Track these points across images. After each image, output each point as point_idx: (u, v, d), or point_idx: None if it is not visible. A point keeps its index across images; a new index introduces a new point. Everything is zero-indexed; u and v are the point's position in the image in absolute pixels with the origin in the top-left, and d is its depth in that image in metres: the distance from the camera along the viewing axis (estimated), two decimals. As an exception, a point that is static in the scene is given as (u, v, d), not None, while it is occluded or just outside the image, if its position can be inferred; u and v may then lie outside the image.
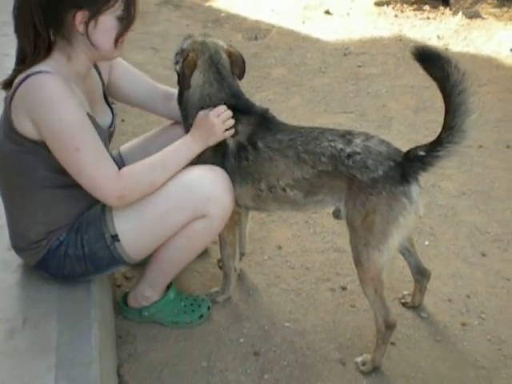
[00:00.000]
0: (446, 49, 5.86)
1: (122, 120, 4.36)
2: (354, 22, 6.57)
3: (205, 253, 3.11)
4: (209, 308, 2.77)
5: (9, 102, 2.20)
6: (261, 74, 5.35)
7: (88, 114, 2.27)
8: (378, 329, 2.51)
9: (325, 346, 2.68)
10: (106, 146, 2.41)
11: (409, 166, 2.32)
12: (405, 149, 2.39)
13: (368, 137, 2.44)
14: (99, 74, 2.57)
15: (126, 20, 2.23)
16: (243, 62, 2.63)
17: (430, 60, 2.24)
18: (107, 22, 2.19)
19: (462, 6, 6.77)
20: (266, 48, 5.94)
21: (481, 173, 3.93)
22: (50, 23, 2.20)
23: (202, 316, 2.74)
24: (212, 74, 2.56)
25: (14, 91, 2.18)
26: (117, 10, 2.19)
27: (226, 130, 2.52)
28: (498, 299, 2.95)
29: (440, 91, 2.25)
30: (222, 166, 2.53)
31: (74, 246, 2.40)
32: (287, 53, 5.82)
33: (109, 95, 2.67)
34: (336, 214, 2.54)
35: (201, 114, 2.53)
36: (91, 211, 2.44)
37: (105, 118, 2.51)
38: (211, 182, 2.44)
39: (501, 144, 4.26)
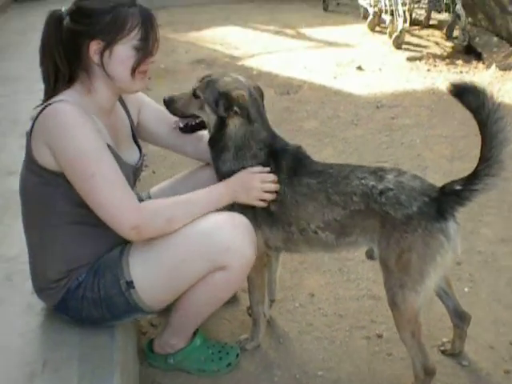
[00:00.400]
0: (481, 100, 5.75)
1: (153, 172, 4.35)
2: (387, 76, 6.55)
3: (234, 300, 3.02)
4: (237, 355, 2.65)
5: (29, 134, 2.20)
6: (293, 126, 5.32)
7: (108, 145, 2.23)
8: (416, 375, 2.39)
9: (360, 396, 2.53)
10: (130, 183, 2.36)
11: (445, 201, 2.24)
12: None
13: (400, 172, 2.37)
14: (127, 112, 2.55)
15: (144, 50, 2.22)
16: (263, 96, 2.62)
17: (466, 92, 2.18)
18: (123, 52, 2.19)
19: (495, 59, 6.71)
20: (297, 102, 5.93)
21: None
22: (70, 56, 2.21)
23: (230, 364, 2.62)
24: (254, 112, 2.49)
25: (34, 122, 2.19)
26: (133, 39, 2.19)
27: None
28: (543, 347, 2.77)
29: (476, 122, 2.19)
30: (251, 209, 2.46)
31: (91, 289, 2.33)
32: (319, 106, 5.80)
33: (138, 136, 2.64)
34: (369, 254, 2.49)
35: (247, 170, 2.45)
36: (110, 254, 2.36)
37: (131, 156, 2.48)
38: (231, 231, 2.30)
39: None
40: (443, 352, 2.73)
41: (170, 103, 2.57)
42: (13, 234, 2.90)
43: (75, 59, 2.22)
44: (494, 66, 6.44)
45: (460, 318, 2.62)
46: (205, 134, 2.64)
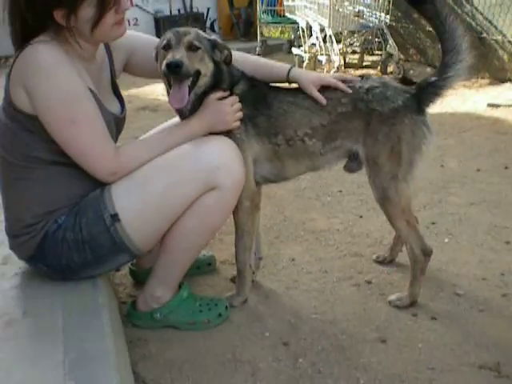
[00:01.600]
0: (425, 112, 5.90)
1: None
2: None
3: (213, 268, 2.90)
4: (227, 308, 2.50)
5: (8, 75, 2.10)
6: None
7: (91, 90, 2.15)
8: (415, 260, 2.49)
9: (360, 330, 2.43)
10: (112, 132, 2.26)
11: (424, 94, 2.37)
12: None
13: (382, 77, 2.42)
14: (111, 61, 2.44)
15: (102, 5, 2.08)
16: None
17: (421, 2, 2.38)
18: (86, 14, 2.08)
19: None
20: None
21: (484, 188, 3.81)
22: (40, 17, 2.09)
23: (220, 315, 2.47)
24: None
25: (13, 63, 2.09)
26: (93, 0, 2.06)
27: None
28: (535, 275, 2.74)
29: (433, 26, 2.38)
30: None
31: (72, 230, 2.19)
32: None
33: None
34: (349, 167, 2.53)
35: (213, 100, 2.35)
36: (91, 194, 2.23)
37: (112, 106, 2.37)
38: (219, 151, 2.24)
39: (498, 167, 4.17)
40: (380, 260, 2.91)
41: (181, 66, 2.20)
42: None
43: (45, 19, 2.09)
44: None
45: None
46: None
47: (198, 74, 2.30)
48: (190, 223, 2.26)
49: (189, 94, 2.29)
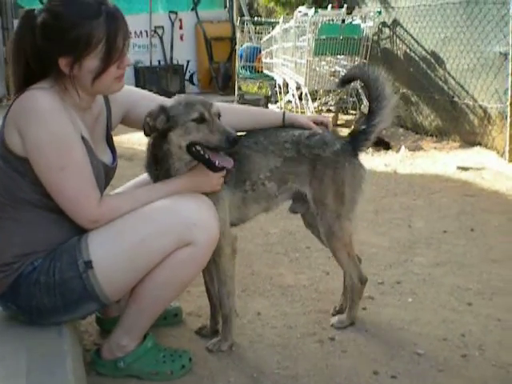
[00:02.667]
0: (395, 172, 6.05)
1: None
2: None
3: (179, 321, 2.92)
4: (190, 360, 2.52)
5: (4, 117, 2.17)
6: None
7: (83, 138, 2.22)
8: (353, 287, 2.80)
9: (321, 386, 2.45)
10: (100, 181, 2.31)
11: (356, 141, 2.68)
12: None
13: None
14: (109, 112, 2.52)
15: (107, 61, 2.18)
16: None
17: (347, 78, 2.95)
18: (91, 64, 2.17)
19: (404, 143, 7.11)
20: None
21: (450, 249, 3.89)
22: (43, 62, 2.19)
23: (183, 366, 2.48)
24: None
25: (10, 106, 2.17)
26: (99, 52, 2.17)
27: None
28: (494, 334, 2.80)
29: (362, 82, 2.91)
30: None
31: (46, 274, 2.22)
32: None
33: (133, 127, 2.63)
34: (293, 208, 2.83)
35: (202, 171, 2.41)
36: (69, 241, 2.27)
37: (104, 156, 2.43)
38: (197, 208, 2.32)
39: (464, 228, 4.27)
40: (338, 310, 3.02)
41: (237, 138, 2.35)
42: None
43: (48, 65, 2.19)
44: (403, 148, 6.81)
45: None
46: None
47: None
48: (162, 276, 2.31)
49: None
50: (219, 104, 2.54)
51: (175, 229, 2.26)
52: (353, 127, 2.83)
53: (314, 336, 2.82)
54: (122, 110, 2.59)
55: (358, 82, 7.63)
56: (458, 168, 5.92)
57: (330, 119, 3.37)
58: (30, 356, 2.10)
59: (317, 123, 2.73)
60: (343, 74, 3.14)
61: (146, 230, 2.25)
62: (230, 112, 2.63)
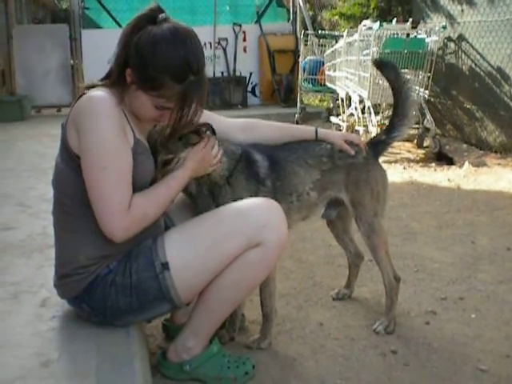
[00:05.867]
0: (458, 188, 5.99)
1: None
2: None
3: (242, 328, 2.97)
4: (253, 367, 2.57)
5: (66, 120, 2.28)
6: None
7: (138, 140, 2.32)
8: (390, 286, 2.99)
9: (383, 398, 2.46)
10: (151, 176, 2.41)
11: (376, 148, 3.00)
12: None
13: None
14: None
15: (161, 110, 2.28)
16: None
17: (385, 66, 3.09)
18: (143, 99, 2.27)
19: (468, 159, 7.04)
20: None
21: (515, 267, 3.85)
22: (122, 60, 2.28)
23: (247, 373, 2.53)
24: None
25: (71, 109, 2.28)
26: (157, 100, 2.24)
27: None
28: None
29: (392, 89, 3.00)
30: (259, 193, 2.64)
31: (122, 275, 2.31)
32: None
33: None
34: (327, 214, 3.05)
35: (197, 151, 2.46)
36: (142, 244, 2.36)
37: None
38: (267, 210, 2.39)
39: (531, 247, 4.20)
40: (338, 297, 3.38)
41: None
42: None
43: (119, 65, 2.29)
44: (467, 163, 6.73)
45: (358, 257, 3.36)
46: (253, 121, 2.96)
47: None
48: (230, 277, 2.37)
49: None
50: (259, 121, 2.94)
51: (246, 230, 2.32)
52: (374, 136, 3.30)
53: (376, 349, 2.83)
54: None
55: (422, 96, 7.70)
56: (525, 185, 5.83)
57: (362, 138, 3.61)
58: (99, 356, 2.17)
59: (347, 142, 2.90)
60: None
61: (218, 233, 2.33)
62: (269, 127, 2.91)
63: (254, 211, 2.38)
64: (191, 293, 2.39)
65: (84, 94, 2.28)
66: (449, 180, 6.29)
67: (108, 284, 2.31)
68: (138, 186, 2.28)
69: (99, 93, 2.25)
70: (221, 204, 2.54)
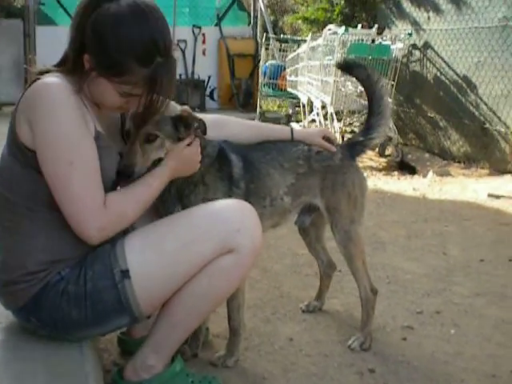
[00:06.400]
0: (424, 197, 5.86)
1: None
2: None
3: (206, 342, 2.71)
4: (220, 387, 2.32)
5: (15, 107, 2.00)
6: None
7: (99, 133, 2.05)
8: (367, 299, 2.78)
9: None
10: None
11: (353, 149, 2.80)
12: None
13: None
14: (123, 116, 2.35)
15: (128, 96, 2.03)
16: None
17: (352, 67, 2.91)
18: (105, 86, 2.01)
19: (431, 168, 6.93)
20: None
21: (489, 279, 3.68)
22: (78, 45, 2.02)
23: (212, 394, 2.27)
24: None
25: (21, 97, 1.99)
26: (122, 88, 1.99)
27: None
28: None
29: (365, 88, 2.86)
30: (231, 195, 2.42)
31: (75, 283, 2.02)
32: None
33: None
34: (301, 222, 2.84)
35: (180, 148, 2.24)
36: (100, 248, 2.08)
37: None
38: (240, 213, 2.14)
39: (502, 258, 4.05)
40: (309, 309, 3.13)
41: (131, 170, 2.15)
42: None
43: (75, 50, 2.02)
44: (431, 173, 6.61)
45: (330, 267, 3.13)
46: (224, 118, 2.71)
47: (159, 160, 2.22)
48: (199, 286, 2.11)
49: None
50: (229, 117, 2.67)
51: (217, 234, 2.08)
52: (350, 137, 3.04)
53: (352, 367, 2.61)
54: None
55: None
56: (490, 196, 5.72)
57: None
58: (49, 376, 1.91)
59: (325, 138, 2.72)
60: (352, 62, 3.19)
61: (187, 237, 2.07)
62: (241, 125, 2.68)
63: (226, 213, 2.13)
64: (154, 304, 2.12)
65: (37, 79, 2.00)
66: (414, 189, 6.15)
67: (59, 293, 2.02)
68: None
69: (55, 79, 1.98)
70: (188, 205, 2.30)
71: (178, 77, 11.16)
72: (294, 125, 9.00)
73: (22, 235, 2.03)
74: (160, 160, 2.21)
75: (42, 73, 2.06)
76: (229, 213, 2.13)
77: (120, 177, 2.14)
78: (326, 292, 3.19)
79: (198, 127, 2.30)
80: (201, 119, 2.31)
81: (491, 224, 4.90)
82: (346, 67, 2.98)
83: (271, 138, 2.67)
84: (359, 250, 2.74)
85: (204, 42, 11.92)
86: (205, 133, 2.33)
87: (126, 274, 2.01)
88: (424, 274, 3.73)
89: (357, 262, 2.74)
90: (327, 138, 2.72)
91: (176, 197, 2.37)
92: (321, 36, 7.75)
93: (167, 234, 2.08)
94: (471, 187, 6.09)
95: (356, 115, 8.60)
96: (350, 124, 8.68)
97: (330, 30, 7.56)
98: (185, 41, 11.64)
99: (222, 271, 2.10)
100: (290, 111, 10.52)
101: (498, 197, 5.67)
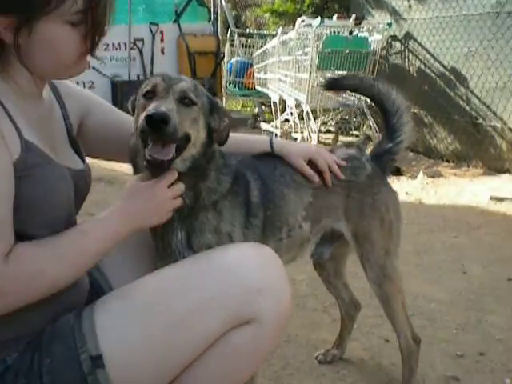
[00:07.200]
0: (420, 202, 5.30)
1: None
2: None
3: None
4: None
5: None
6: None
7: (30, 144, 1.43)
8: (408, 351, 2.22)
9: None
10: (69, 192, 1.53)
11: (382, 161, 2.22)
12: None
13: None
14: (64, 111, 1.73)
15: (87, 23, 1.44)
16: None
17: (338, 82, 2.45)
18: (50, 31, 1.42)
19: (417, 168, 6.40)
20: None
21: (525, 305, 3.12)
22: None
23: None
24: None
25: None
26: (65, 13, 1.41)
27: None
28: None
29: (366, 92, 2.40)
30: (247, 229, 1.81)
31: (26, 375, 1.39)
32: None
33: (88, 150, 1.83)
34: (319, 254, 2.21)
35: (138, 183, 1.62)
36: (58, 322, 1.46)
37: (70, 162, 1.62)
38: (260, 266, 1.53)
39: (532, 275, 3.50)
40: (327, 360, 2.52)
41: (167, 121, 1.50)
42: None
43: None
44: (421, 174, 6.07)
45: (355, 307, 2.56)
46: None
47: (186, 140, 1.61)
48: (207, 370, 1.50)
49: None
50: None
51: (228, 300, 1.47)
52: (373, 147, 2.32)
53: None
54: (78, 110, 1.81)
55: (363, 100, 6.98)
56: (492, 199, 5.18)
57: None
58: None
59: (310, 164, 2.03)
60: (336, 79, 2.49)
61: (184, 305, 1.46)
62: None
63: (242, 267, 1.50)
64: None
65: None
66: (407, 193, 5.59)
67: (7, 388, 1.36)
68: (37, 221, 1.42)
69: None
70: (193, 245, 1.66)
71: (135, 77, 10.52)
72: (264, 125, 8.41)
73: None
74: (187, 141, 1.61)
75: None
76: (245, 266, 1.51)
77: (150, 126, 1.49)
78: (348, 337, 2.59)
79: (227, 127, 1.77)
80: (230, 119, 1.79)
81: (503, 233, 4.35)
82: (335, 85, 2.48)
83: (246, 151, 2.01)
84: (397, 289, 2.19)
85: (162, 40, 11.19)
86: (224, 141, 1.76)
87: (97, 361, 1.40)
88: (450, 300, 3.16)
89: (395, 304, 2.19)
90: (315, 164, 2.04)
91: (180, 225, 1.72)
92: (292, 29, 7.15)
93: (156, 301, 1.47)
94: (468, 189, 5.56)
95: (331, 113, 8.04)
96: (325, 123, 8.09)
97: (303, 21, 6.95)
98: (142, 39, 10.89)
99: (236, 351, 1.50)
100: (257, 111, 9.91)
101: (500, 199, 5.14)
